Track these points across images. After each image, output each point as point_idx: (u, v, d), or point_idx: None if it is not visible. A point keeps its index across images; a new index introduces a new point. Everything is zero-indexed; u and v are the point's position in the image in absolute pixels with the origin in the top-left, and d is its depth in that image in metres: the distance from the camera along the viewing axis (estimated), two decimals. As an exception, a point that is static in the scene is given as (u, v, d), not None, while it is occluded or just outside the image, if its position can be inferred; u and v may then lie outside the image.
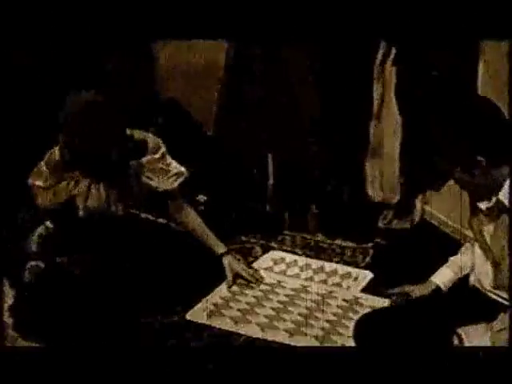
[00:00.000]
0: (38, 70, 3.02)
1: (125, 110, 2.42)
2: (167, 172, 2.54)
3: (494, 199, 1.85)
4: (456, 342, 1.84)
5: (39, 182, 2.44)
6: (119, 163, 2.43)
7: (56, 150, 2.42)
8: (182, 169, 2.59)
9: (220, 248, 2.63)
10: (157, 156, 2.50)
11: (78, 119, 2.26)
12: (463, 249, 2.21)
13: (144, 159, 2.49)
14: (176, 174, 2.56)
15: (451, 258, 2.22)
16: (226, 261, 2.63)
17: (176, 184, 2.56)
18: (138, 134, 2.49)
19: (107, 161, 2.39)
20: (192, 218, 2.65)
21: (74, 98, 2.32)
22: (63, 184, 2.43)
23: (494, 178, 1.84)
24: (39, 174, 2.45)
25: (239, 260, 2.74)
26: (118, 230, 2.51)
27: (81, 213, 2.45)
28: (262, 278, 2.72)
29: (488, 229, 1.92)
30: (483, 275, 1.96)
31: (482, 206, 1.90)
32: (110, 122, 2.30)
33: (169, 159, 2.55)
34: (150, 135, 2.53)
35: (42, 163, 2.45)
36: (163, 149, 2.53)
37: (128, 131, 2.44)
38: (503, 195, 1.83)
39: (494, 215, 1.89)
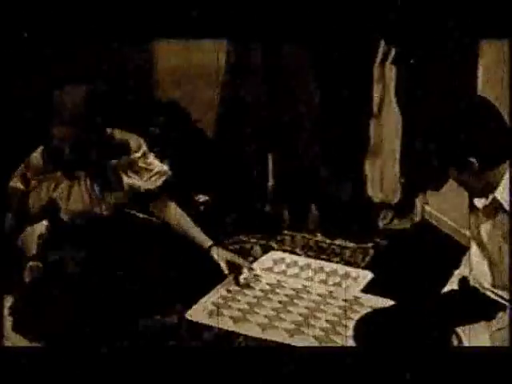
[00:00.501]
0: (30, 69, 3.01)
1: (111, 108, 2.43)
2: (149, 171, 2.53)
3: (490, 197, 1.85)
4: (455, 341, 1.83)
5: (20, 185, 2.43)
6: (100, 162, 2.43)
7: (37, 153, 2.42)
8: (165, 167, 2.58)
9: (207, 242, 2.60)
10: (138, 155, 2.50)
11: (74, 109, 2.27)
12: (464, 260, 2.19)
13: (125, 158, 2.48)
14: (158, 172, 2.55)
15: (456, 272, 2.19)
16: (214, 252, 2.59)
17: (159, 182, 2.55)
18: (118, 133, 2.49)
19: (88, 160, 2.39)
20: (176, 215, 2.62)
21: (71, 88, 2.31)
22: (43, 186, 2.42)
23: (489, 178, 1.84)
24: (20, 176, 2.43)
25: (228, 249, 2.72)
26: (115, 229, 2.50)
27: (63, 215, 2.44)
28: (253, 268, 2.71)
29: (485, 227, 1.92)
30: (481, 274, 1.95)
31: (479, 203, 1.90)
32: (98, 118, 2.32)
33: (151, 158, 2.54)
34: (131, 134, 2.53)
35: (23, 165, 2.44)
36: (144, 148, 2.53)
37: (108, 131, 2.45)
38: (499, 194, 1.83)
39: (491, 214, 1.88)
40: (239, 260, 2.66)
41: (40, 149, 2.43)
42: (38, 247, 2.49)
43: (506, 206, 1.82)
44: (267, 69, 3.19)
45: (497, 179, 1.83)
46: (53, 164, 2.40)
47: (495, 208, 1.86)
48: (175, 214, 2.63)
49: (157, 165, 2.55)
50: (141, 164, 2.51)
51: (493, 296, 1.92)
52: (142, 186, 2.52)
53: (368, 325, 2.06)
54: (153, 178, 2.54)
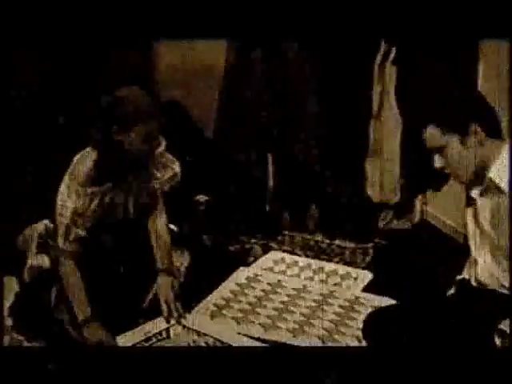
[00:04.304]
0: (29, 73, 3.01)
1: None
2: (172, 169, 2.45)
3: (485, 181, 1.84)
4: (498, 340, 1.78)
5: (71, 203, 2.19)
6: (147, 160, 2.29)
7: (85, 160, 2.21)
8: (178, 169, 2.49)
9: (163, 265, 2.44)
10: (162, 148, 2.43)
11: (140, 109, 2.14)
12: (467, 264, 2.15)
13: (156, 152, 2.35)
14: (174, 171, 2.46)
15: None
16: (159, 279, 2.41)
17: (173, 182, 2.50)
18: None
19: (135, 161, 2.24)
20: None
21: (129, 90, 2.17)
22: (95, 203, 2.22)
23: (484, 154, 1.83)
24: (69, 192, 2.19)
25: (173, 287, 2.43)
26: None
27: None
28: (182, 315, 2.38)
29: (484, 214, 1.88)
30: (486, 268, 1.92)
31: (474, 194, 1.89)
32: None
33: (168, 154, 2.45)
34: None
35: (67, 180, 2.21)
36: (164, 142, 2.45)
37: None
38: (494, 174, 1.82)
39: (488, 200, 1.86)
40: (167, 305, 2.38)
41: (88, 156, 2.23)
42: (38, 247, 2.49)
43: (503, 186, 1.81)
44: (267, 69, 3.19)
45: (490, 158, 1.82)
46: (108, 169, 2.22)
47: (492, 190, 1.84)
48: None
49: (176, 163, 2.46)
50: (162, 159, 2.41)
51: (501, 290, 1.88)
52: (166, 185, 2.45)
53: (378, 323, 2.02)
54: (169, 177, 2.44)
